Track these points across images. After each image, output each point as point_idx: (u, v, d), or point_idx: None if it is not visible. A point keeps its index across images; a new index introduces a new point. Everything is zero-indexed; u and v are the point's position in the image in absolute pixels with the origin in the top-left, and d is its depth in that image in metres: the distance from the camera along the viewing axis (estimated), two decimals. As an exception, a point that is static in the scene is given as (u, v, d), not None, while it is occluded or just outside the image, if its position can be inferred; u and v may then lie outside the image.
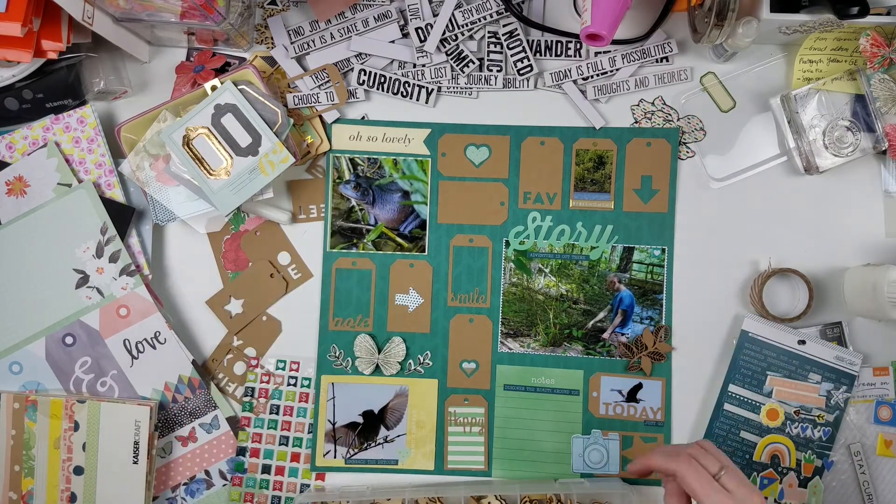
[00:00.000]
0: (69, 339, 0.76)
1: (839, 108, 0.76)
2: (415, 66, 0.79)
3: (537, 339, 0.78)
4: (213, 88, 0.73)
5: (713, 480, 0.60)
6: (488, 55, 0.79)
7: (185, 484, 0.78)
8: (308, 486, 0.78)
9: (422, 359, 0.79)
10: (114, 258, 0.76)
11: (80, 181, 0.76)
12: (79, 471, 0.74)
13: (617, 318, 0.78)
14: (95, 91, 0.77)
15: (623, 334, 0.78)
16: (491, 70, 0.79)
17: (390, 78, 0.79)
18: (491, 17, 0.77)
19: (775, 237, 0.78)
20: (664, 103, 0.79)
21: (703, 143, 0.79)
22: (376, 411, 0.78)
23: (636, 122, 0.79)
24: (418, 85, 0.79)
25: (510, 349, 0.79)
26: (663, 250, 0.78)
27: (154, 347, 0.76)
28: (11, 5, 0.65)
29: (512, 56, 0.78)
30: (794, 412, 0.76)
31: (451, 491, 0.74)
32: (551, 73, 0.78)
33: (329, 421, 0.78)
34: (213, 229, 0.79)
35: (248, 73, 0.74)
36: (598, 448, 0.78)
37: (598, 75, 0.79)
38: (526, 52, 0.78)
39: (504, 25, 0.78)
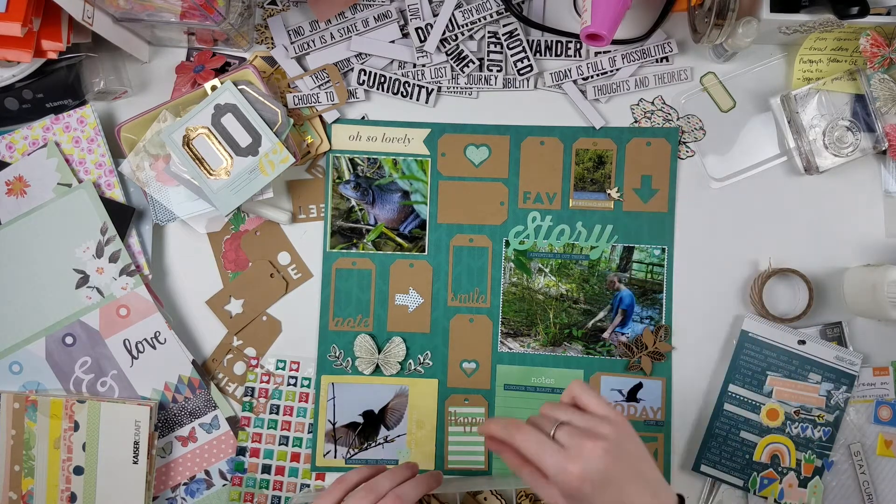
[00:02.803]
0: (69, 339, 0.76)
1: (839, 108, 0.76)
2: (415, 66, 0.79)
3: (537, 338, 0.78)
4: (213, 88, 0.73)
5: (547, 440, 0.56)
6: (488, 55, 0.79)
7: (185, 484, 0.78)
8: (308, 486, 0.78)
9: (422, 359, 0.79)
10: (114, 258, 0.76)
11: (80, 181, 0.76)
12: (79, 471, 0.74)
13: (617, 318, 0.78)
14: (95, 91, 0.77)
15: (623, 334, 0.78)
16: (491, 70, 0.79)
17: (390, 78, 0.79)
18: (491, 17, 0.77)
19: (775, 237, 0.78)
20: (664, 103, 0.79)
21: (703, 143, 0.79)
22: (376, 411, 0.78)
23: (636, 122, 0.79)
24: (418, 85, 0.79)
25: (510, 349, 0.79)
26: (663, 250, 0.79)
27: (154, 347, 0.76)
28: (11, 5, 0.65)
29: (512, 56, 0.78)
30: (794, 412, 0.76)
31: (447, 487, 0.74)
32: (551, 73, 0.78)
33: (329, 421, 0.78)
34: (213, 229, 0.79)
35: (248, 73, 0.74)
36: (598, 448, 0.78)
37: (598, 75, 0.79)
38: (526, 52, 0.78)
39: (504, 25, 0.78)
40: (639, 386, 0.78)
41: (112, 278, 0.76)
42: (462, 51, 0.78)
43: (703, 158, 0.79)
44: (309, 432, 0.78)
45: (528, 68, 0.78)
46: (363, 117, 0.80)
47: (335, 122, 0.80)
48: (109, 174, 0.77)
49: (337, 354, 0.79)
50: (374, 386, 0.79)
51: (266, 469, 0.78)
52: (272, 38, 0.79)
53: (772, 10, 0.69)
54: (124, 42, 0.75)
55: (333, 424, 0.78)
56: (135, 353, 0.76)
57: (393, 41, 0.79)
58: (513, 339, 0.79)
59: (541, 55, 0.79)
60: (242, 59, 0.80)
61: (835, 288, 0.78)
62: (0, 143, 0.76)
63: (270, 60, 0.80)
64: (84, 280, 0.76)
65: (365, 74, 0.79)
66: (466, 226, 0.79)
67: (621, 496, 0.55)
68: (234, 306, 0.79)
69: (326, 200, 0.80)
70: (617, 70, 0.78)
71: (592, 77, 0.79)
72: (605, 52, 0.78)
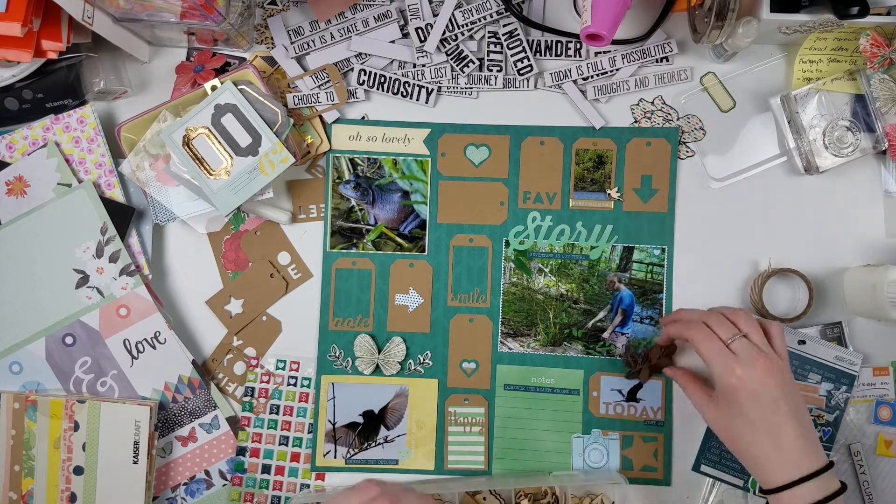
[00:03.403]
0: (69, 339, 0.76)
1: (839, 108, 0.76)
2: (415, 66, 0.79)
3: (537, 338, 0.78)
4: (213, 88, 0.73)
5: (721, 344, 0.63)
6: (488, 55, 0.79)
7: (185, 484, 0.78)
8: (308, 486, 0.78)
9: (422, 359, 0.79)
10: (114, 258, 0.76)
11: (80, 181, 0.76)
12: (79, 471, 0.74)
13: (617, 318, 0.78)
14: (95, 91, 0.77)
15: (623, 334, 0.78)
16: (491, 70, 0.79)
17: (390, 78, 0.79)
18: (491, 17, 0.77)
19: (775, 237, 0.78)
20: (664, 103, 0.79)
21: (703, 143, 0.79)
22: (376, 411, 0.78)
23: (636, 122, 0.79)
24: (418, 85, 0.79)
25: (510, 349, 0.79)
26: (663, 250, 0.79)
27: (154, 347, 0.76)
28: (11, 5, 0.65)
29: (512, 56, 0.78)
30: (794, 412, 0.76)
31: (447, 487, 0.75)
32: (551, 73, 0.78)
33: (329, 421, 0.78)
34: (213, 229, 0.79)
35: (248, 73, 0.74)
36: (598, 448, 0.78)
37: (598, 75, 0.79)
38: (526, 52, 0.78)
39: (504, 25, 0.78)
40: (639, 386, 0.78)
41: (112, 278, 0.76)
42: (462, 51, 0.78)
43: (703, 158, 0.79)
44: (309, 432, 0.78)
45: (528, 68, 0.78)
46: (363, 117, 0.80)
47: (335, 122, 0.80)
48: (109, 174, 0.77)
49: (337, 354, 0.79)
50: (374, 386, 0.79)
51: (266, 469, 0.78)
52: (272, 38, 0.79)
53: (772, 10, 0.69)
54: (124, 42, 0.75)
55: (333, 424, 0.78)
56: (135, 353, 0.76)
57: (393, 41, 0.79)
58: (513, 339, 0.79)
59: (541, 55, 0.79)
60: (242, 59, 0.80)
61: (835, 288, 0.78)
62: (0, 143, 0.76)
63: (270, 60, 0.80)
64: (84, 280, 0.76)
65: (365, 74, 0.79)
66: (466, 226, 0.79)
67: (758, 426, 0.61)
68: (234, 306, 0.79)
69: (326, 200, 0.80)
70: (617, 70, 0.78)
71: (592, 77, 0.79)
72: (605, 52, 0.78)
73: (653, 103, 0.79)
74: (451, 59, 0.78)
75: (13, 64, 0.72)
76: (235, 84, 0.73)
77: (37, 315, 0.76)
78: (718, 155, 0.79)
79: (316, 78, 0.79)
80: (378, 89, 0.79)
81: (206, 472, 0.78)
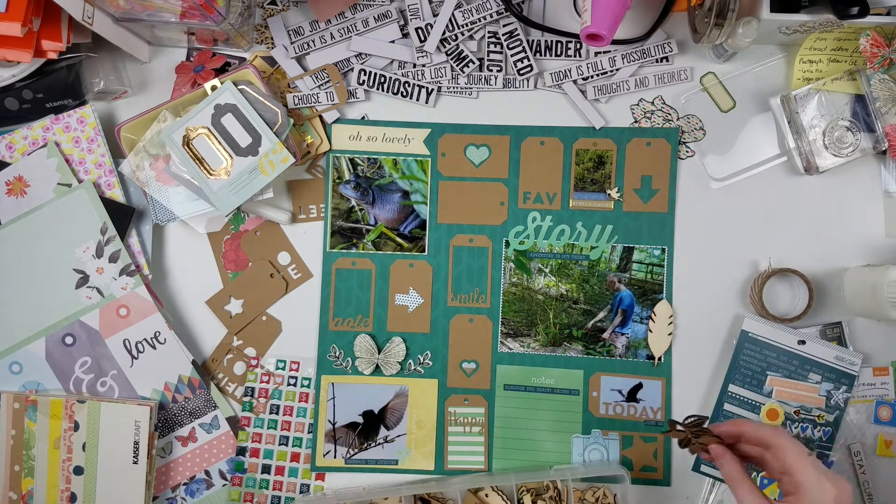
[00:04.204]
0: (69, 339, 0.76)
1: (839, 108, 0.76)
2: (415, 66, 0.79)
3: (537, 339, 0.78)
4: (213, 88, 0.73)
5: (815, 459, 0.59)
6: (488, 55, 0.79)
7: (185, 484, 0.78)
8: (308, 486, 0.78)
9: (422, 359, 0.79)
10: (114, 258, 0.76)
11: (80, 181, 0.76)
12: (79, 471, 0.74)
13: (617, 318, 0.78)
14: (95, 91, 0.77)
15: (623, 334, 0.78)
16: (491, 70, 0.79)
17: (390, 78, 0.79)
18: (491, 17, 0.77)
19: (775, 237, 0.78)
20: (664, 103, 0.79)
21: (703, 143, 0.79)
22: (376, 411, 0.78)
23: (636, 122, 0.79)
24: (418, 85, 0.79)
25: (510, 349, 0.79)
26: (663, 250, 0.78)
27: (154, 347, 0.76)
28: (11, 5, 0.65)
29: (512, 56, 0.78)
30: (794, 412, 0.76)
31: (448, 485, 0.75)
32: (551, 73, 0.78)
33: (329, 421, 0.78)
34: (213, 229, 0.79)
35: (248, 73, 0.74)
36: (598, 448, 0.78)
37: (598, 75, 0.79)
38: (526, 52, 0.78)
39: (504, 25, 0.78)
40: (639, 386, 0.78)
41: (112, 278, 0.76)
42: (462, 51, 0.78)
43: (703, 158, 0.79)
44: (309, 432, 0.78)
45: (528, 68, 0.78)
46: (363, 117, 0.80)
47: (335, 122, 0.80)
48: (109, 174, 0.77)
49: (337, 354, 0.79)
50: (374, 386, 0.79)
51: (266, 469, 0.78)
52: (272, 38, 0.79)
53: (772, 10, 0.69)
54: (124, 42, 0.75)
55: (333, 424, 0.78)
56: (135, 353, 0.76)
57: (393, 41, 0.79)
58: (513, 339, 0.79)
59: (541, 55, 0.79)
60: (242, 59, 0.80)
61: (835, 288, 0.78)
62: (0, 143, 0.76)
63: (270, 60, 0.80)
64: (84, 280, 0.76)
65: (365, 74, 0.79)
66: (466, 226, 0.79)
67: None
68: (234, 306, 0.79)
69: (326, 200, 0.80)
70: (617, 70, 0.78)
71: (592, 77, 0.79)
72: (605, 52, 0.78)
73: (653, 103, 0.79)
74: (451, 59, 0.78)
75: (13, 64, 0.72)
76: (235, 84, 0.73)
77: (37, 315, 0.76)
78: (718, 155, 0.79)
79: (316, 78, 0.79)
80: (378, 89, 0.79)
81: (206, 472, 0.78)
